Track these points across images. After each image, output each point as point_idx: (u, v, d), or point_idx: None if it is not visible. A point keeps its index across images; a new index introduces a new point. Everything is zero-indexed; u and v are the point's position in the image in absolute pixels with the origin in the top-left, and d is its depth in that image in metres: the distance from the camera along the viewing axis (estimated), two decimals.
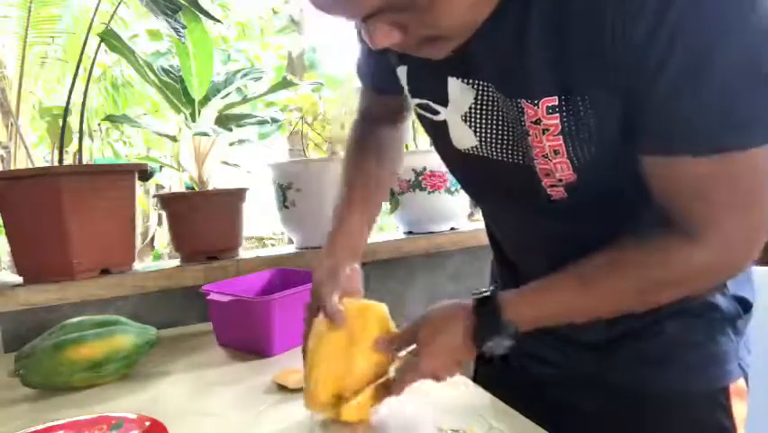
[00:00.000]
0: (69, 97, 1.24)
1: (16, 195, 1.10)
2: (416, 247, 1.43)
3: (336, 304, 0.68)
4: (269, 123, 1.35)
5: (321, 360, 0.66)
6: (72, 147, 1.30)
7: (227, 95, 1.37)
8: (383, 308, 0.70)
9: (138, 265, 1.28)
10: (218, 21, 1.30)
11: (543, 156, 0.59)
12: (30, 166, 2.21)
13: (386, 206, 1.56)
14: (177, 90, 1.31)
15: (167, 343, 1.05)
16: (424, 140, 1.61)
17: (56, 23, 3.81)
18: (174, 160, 1.41)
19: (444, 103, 0.65)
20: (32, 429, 0.66)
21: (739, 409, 0.69)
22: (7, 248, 1.18)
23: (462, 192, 1.46)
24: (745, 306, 0.72)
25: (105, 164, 1.93)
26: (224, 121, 1.32)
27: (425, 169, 1.41)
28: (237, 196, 1.33)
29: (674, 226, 0.55)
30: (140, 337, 0.90)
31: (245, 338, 0.99)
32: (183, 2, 1.16)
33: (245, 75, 1.39)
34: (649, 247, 0.58)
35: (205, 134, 1.25)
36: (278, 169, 1.37)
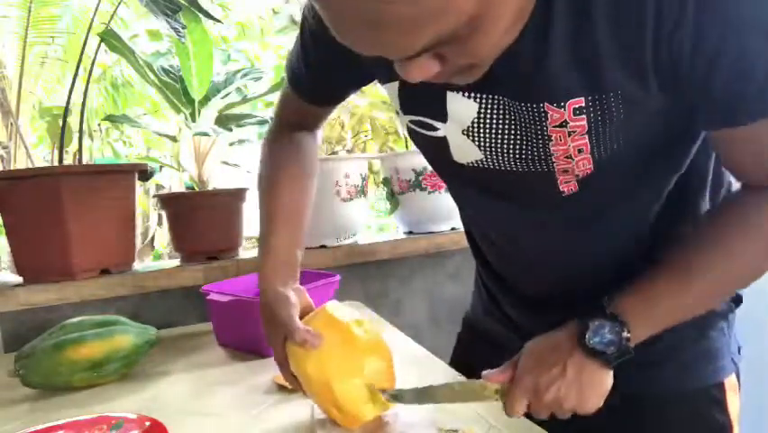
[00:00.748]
0: (69, 97, 1.24)
1: (16, 195, 1.10)
2: (415, 247, 1.43)
3: (303, 327, 0.65)
4: (269, 123, 1.35)
5: (334, 378, 0.64)
6: (72, 147, 1.30)
7: (227, 95, 1.37)
8: (334, 305, 0.70)
9: (138, 265, 1.28)
10: (218, 21, 1.30)
11: (565, 157, 0.58)
12: (30, 166, 2.21)
13: (386, 206, 1.56)
14: (177, 90, 1.31)
15: (167, 343, 1.05)
16: None
17: (56, 23, 3.81)
18: (174, 160, 1.41)
19: (443, 119, 0.63)
20: (32, 429, 0.66)
21: (734, 404, 0.70)
22: (7, 248, 1.18)
23: None
24: (737, 299, 0.73)
25: (105, 164, 1.93)
26: (224, 121, 1.32)
27: (425, 169, 1.41)
28: (237, 196, 1.33)
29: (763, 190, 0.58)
30: (140, 337, 0.90)
31: (245, 338, 0.99)
32: (183, 2, 1.16)
33: (245, 75, 1.39)
34: (754, 208, 0.59)
35: (205, 134, 1.25)
36: None
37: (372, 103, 1.49)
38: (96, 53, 1.28)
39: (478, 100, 0.59)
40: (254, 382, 0.84)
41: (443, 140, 0.65)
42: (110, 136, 4.56)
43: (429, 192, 1.42)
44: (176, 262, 1.33)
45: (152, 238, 5.71)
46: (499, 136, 0.60)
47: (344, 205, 1.34)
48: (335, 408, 0.64)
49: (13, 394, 0.86)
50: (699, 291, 0.59)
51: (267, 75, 1.45)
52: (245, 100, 1.42)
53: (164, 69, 1.32)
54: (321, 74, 0.76)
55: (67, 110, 1.21)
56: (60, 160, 1.23)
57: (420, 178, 1.41)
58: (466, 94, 0.59)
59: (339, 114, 1.47)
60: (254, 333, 0.96)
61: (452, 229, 1.49)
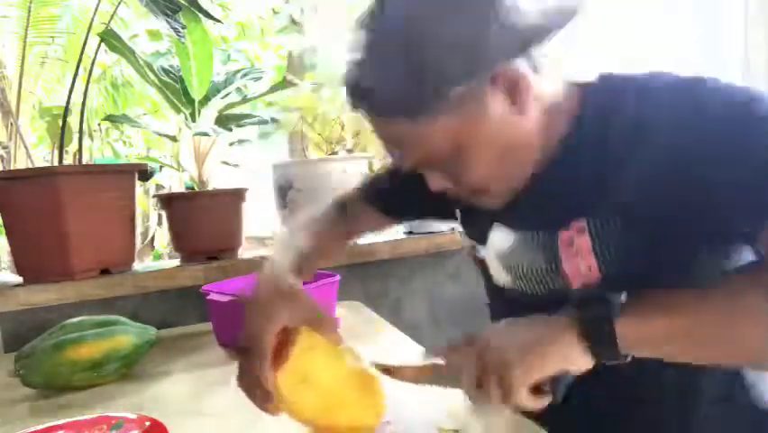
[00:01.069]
0: (69, 97, 1.24)
1: (16, 195, 1.10)
2: (416, 247, 1.43)
3: (267, 376, 0.60)
4: (268, 123, 1.35)
5: (345, 400, 0.62)
6: (72, 147, 1.30)
7: (227, 95, 1.37)
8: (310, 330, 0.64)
9: (138, 265, 1.28)
10: (218, 21, 1.30)
11: (575, 275, 0.63)
12: (30, 166, 2.21)
13: None
14: (177, 90, 1.31)
15: (167, 343, 1.05)
16: None
17: (56, 23, 3.81)
18: (174, 160, 1.41)
19: (484, 242, 0.74)
20: (32, 429, 0.66)
21: None
22: (7, 248, 1.18)
23: None
24: None
25: (105, 164, 1.93)
26: (224, 121, 1.32)
27: None
28: (237, 196, 1.33)
29: None
30: (140, 337, 0.90)
31: None
32: (183, 2, 1.16)
33: (245, 75, 1.39)
34: None
35: (206, 134, 1.25)
36: (279, 169, 1.37)
37: None
38: (96, 53, 1.28)
39: (515, 234, 0.69)
40: None
41: (484, 261, 0.75)
42: (110, 136, 4.56)
43: None
44: (176, 262, 1.33)
45: (152, 238, 5.71)
46: (522, 262, 0.68)
47: None
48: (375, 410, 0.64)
49: (13, 394, 0.86)
50: (696, 318, 0.54)
51: (267, 75, 1.45)
52: (245, 100, 1.42)
53: (164, 69, 1.32)
54: (396, 185, 0.87)
55: (67, 110, 1.21)
56: (60, 160, 1.23)
57: None
58: (509, 228, 0.70)
59: (339, 113, 1.46)
60: None
61: (452, 229, 1.49)
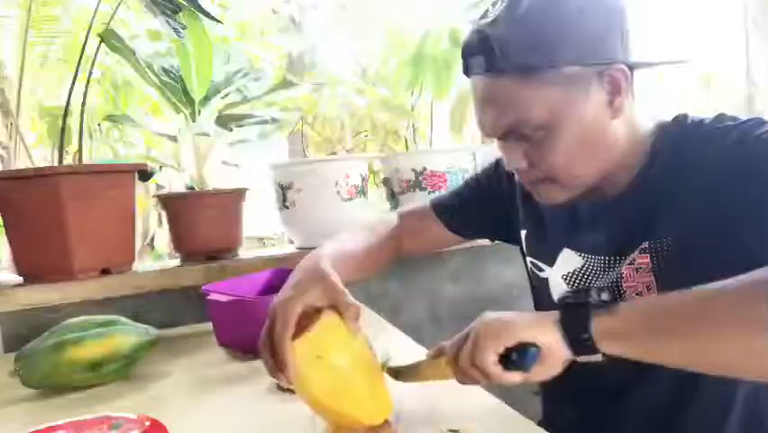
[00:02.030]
0: (69, 97, 1.24)
1: (16, 195, 1.10)
2: None
3: (286, 345, 0.61)
4: (269, 123, 1.35)
5: (353, 387, 0.62)
6: (72, 147, 1.30)
7: (227, 95, 1.37)
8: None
9: (138, 265, 1.28)
10: (218, 21, 1.30)
11: (635, 294, 0.69)
12: (30, 166, 2.21)
13: (386, 206, 1.56)
14: (177, 90, 1.31)
15: (167, 343, 1.05)
16: (423, 140, 1.61)
17: (56, 23, 3.80)
18: (174, 160, 1.41)
19: (551, 264, 0.80)
20: (32, 429, 0.66)
21: None
22: (7, 248, 1.18)
23: None
24: None
25: (105, 164, 1.93)
26: (224, 121, 1.32)
27: (424, 169, 1.41)
28: (237, 196, 1.33)
29: None
30: (140, 337, 0.90)
31: (245, 338, 0.98)
32: (183, 2, 1.16)
33: (245, 75, 1.39)
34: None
35: (206, 134, 1.25)
36: (279, 169, 1.37)
37: (372, 103, 1.49)
38: (96, 53, 1.28)
39: (584, 258, 0.76)
40: (254, 382, 0.84)
41: (546, 281, 0.82)
42: (110, 136, 4.55)
43: (429, 192, 1.42)
44: (176, 262, 1.33)
45: (152, 238, 5.71)
46: (588, 281, 0.75)
47: (344, 205, 1.34)
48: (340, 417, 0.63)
49: (13, 394, 0.86)
50: (679, 313, 0.54)
51: (267, 75, 1.45)
52: (245, 100, 1.42)
53: (164, 69, 1.32)
54: (470, 202, 0.95)
55: (67, 110, 1.21)
56: (60, 160, 1.23)
57: (420, 178, 1.41)
58: (578, 252, 0.77)
59: (339, 113, 1.47)
60: (254, 333, 0.96)
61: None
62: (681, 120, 0.72)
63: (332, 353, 0.62)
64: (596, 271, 0.75)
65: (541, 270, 0.83)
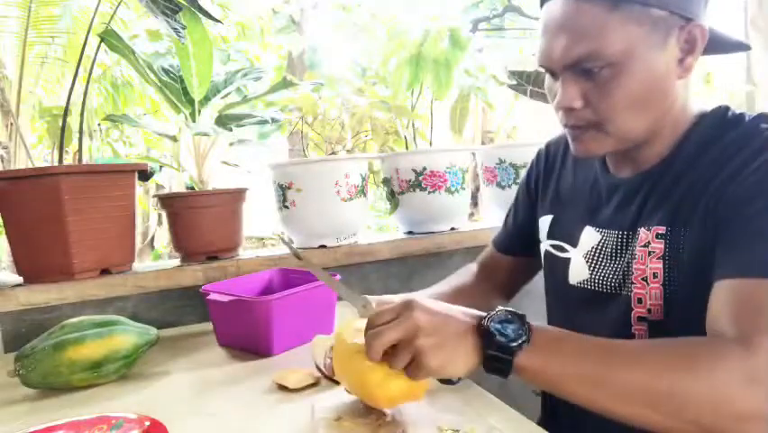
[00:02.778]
0: (69, 97, 1.24)
1: (16, 195, 1.10)
2: (416, 247, 1.43)
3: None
4: (269, 123, 1.35)
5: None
6: (72, 147, 1.30)
7: (227, 95, 1.37)
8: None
9: (138, 265, 1.28)
10: (218, 21, 1.30)
11: (641, 279, 0.70)
12: (30, 166, 2.21)
13: (386, 206, 1.56)
14: (177, 90, 1.31)
15: (167, 343, 1.05)
16: (423, 140, 1.61)
17: (56, 23, 3.81)
18: (174, 160, 1.41)
19: (574, 244, 0.82)
20: (32, 429, 0.66)
21: None
22: (7, 248, 1.18)
23: (462, 192, 1.46)
24: None
25: (105, 164, 1.93)
26: (224, 121, 1.32)
27: (425, 169, 1.41)
28: (237, 196, 1.33)
29: (724, 337, 0.57)
30: (140, 337, 0.90)
31: (245, 338, 0.99)
32: (183, 2, 1.16)
33: (245, 75, 1.39)
34: (700, 340, 0.59)
35: (206, 134, 1.25)
36: (278, 169, 1.37)
37: (372, 103, 1.49)
38: (96, 53, 1.28)
39: (602, 233, 0.78)
40: (254, 382, 0.84)
41: (567, 261, 0.83)
42: (110, 136, 4.56)
43: (429, 192, 1.42)
44: (176, 262, 1.33)
45: (152, 238, 5.71)
46: (604, 261, 0.76)
47: (344, 205, 1.34)
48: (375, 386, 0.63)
49: (13, 394, 0.86)
50: (612, 360, 0.57)
51: (267, 75, 1.45)
52: (245, 100, 1.42)
53: (164, 69, 1.32)
54: (513, 228, 1.01)
55: (67, 110, 1.21)
56: (60, 160, 1.23)
57: (420, 178, 1.41)
58: (596, 228, 0.79)
59: (339, 113, 1.46)
60: (254, 333, 0.96)
61: (452, 229, 1.49)
62: (722, 112, 0.72)
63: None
64: (611, 248, 0.76)
65: (564, 250, 0.84)
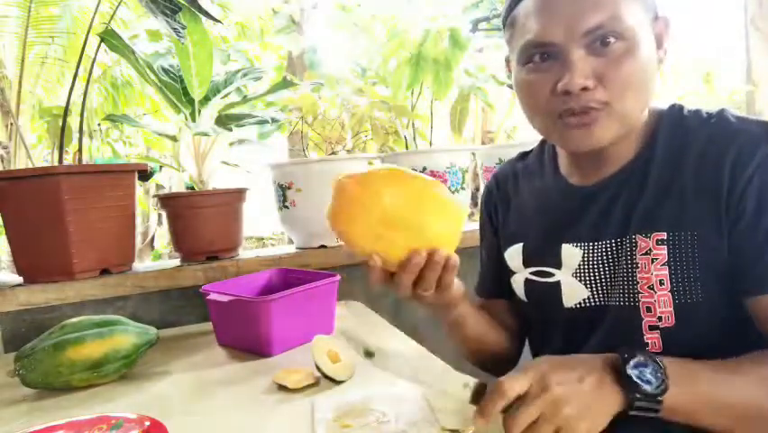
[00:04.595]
0: (69, 97, 1.24)
1: (16, 195, 1.10)
2: None
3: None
4: (269, 123, 1.35)
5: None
6: (72, 147, 1.30)
7: (227, 95, 1.37)
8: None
9: (138, 265, 1.28)
10: (218, 21, 1.30)
11: (648, 288, 0.67)
12: (30, 166, 2.21)
13: None
14: (177, 90, 1.31)
15: (167, 343, 1.05)
16: (423, 140, 1.61)
17: (56, 23, 3.81)
18: (174, 160, 1.41)
19: (558, 266, 0.76)
20: (32, 429, 0.66)
21: None
22: (7, 248, 1.18)
23: (462, 192, 1.46)
24: None
25: (105, 164, 1.93)
26: (224, 121, 1.32)
27: (424, 169, 1.41)
28: (237, 196, 1.33)
29: None
30: (140, 337, 0.90)
31: (245, 338, 0.99)
32: (183, 2, 1.16)
33: (245, 75, 1.39)
34: None
35: (205, 134, 1.25)
36: (278, 169, 1.37)
37: (372, 103, 1.49)
38: (96, 53, 1.28)
39: (582, 248, 0.74)
40: (254, 382, 0.84)
41: (557, 284, 0.77)
42: (110, 136, 4.56)
43: None
44: (176, 262, 1.33)
45: (152, 238, 5.72)
46: (599, 273, 0.73)
47: None
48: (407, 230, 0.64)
49: (13, 394, 0.86)
50: (740, 392, 0.59)
51: (267, 75, 1.45)
52: (245, 100, 1.42)
53: (164, 69, 1.32)
54: (488, 272, 0.94)
55: (67, 110, 1.21)
56: (60, 160, 1.23)
57: None
58: (574, 244, 0.75)
59: (339, 113, 1.47)
60: (254, 333, 0.96)
61: None
62: (677, 110, 0.73)
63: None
64: (599, 259, 0.72)
65: (548, 275, 0.78)
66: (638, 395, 0.56)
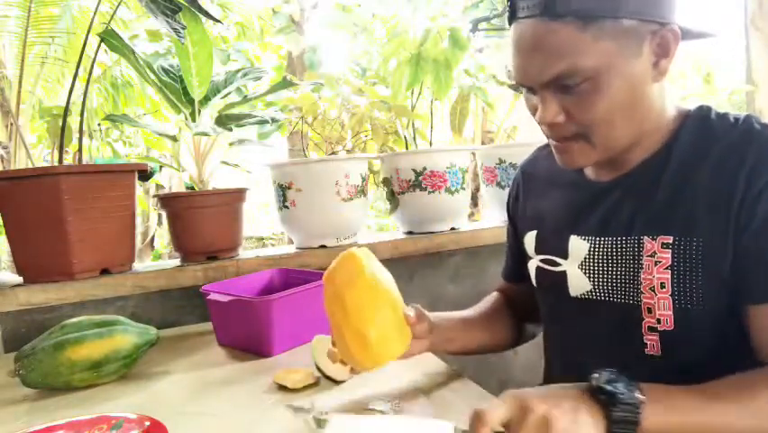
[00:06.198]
0: (69, 97, 1.24)
1: (16, 195, 1.10)
2: (416, 247, 1.43)
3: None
4: (269, 123, 1.35)
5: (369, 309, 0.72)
6: (72, 147, 1.30)
7: (227, 95, 1.37)
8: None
9: (138, 265, 1.28)
10: (218, 21, 1.30)
11: (649, 289, 0.68)
12: (30, 166, 2.21)
13: (386, 206, 1.56)
14: (177, 90, 1.31)
15: (167, 343, 1.05)
16: (423, 140, 1.61)
17: (56, 23, 3.81)
18: (174, 160, 1.41)
19: (565, 256, 0.79)
20: (32, 429, 0.66)
21: None
22: (7, 248, 1.18)
23: (462, 192, 1.47)
24: None
25: (105, 164, 1.93)
26: (224, 121, 1.32)
27: (424, 169, 1.41)
28: (237, 196, 1.33)
29: None
30: (140, 337, 0.90)
31: (245, 338, 0.99)
32: (183, 2, 1.16)
33: (245, 75, 1.39)
34: None
35: (205, 134, 1.25)
36: (278, 169, 1.37)
37: (372, 103, 1.49)
38: (96, 53, 1.28)
39: (588, 241, 0.75)
40: (254, 382, 0.84)
41: (563, 274, 0.79)
42: (110, 136, 4.56)
43: (429, 192, 1.42)
44: (176, 262, 1.33)
45: (152, 238, 5.71)
46: (603, 269, 0.74)
47: (344, 205, 1.34)
48: (363, 343, 0.68)
49: (13, 394, 0.86)
50: (716, 416, 0.58)
51: (267, 75, 1.45)
52: (245, 100, 1.42)
53: (164, 69, 1.32)
54: (511, 257, 0.99)
55: (67, 110, 1.21)
56: (60, 160, 1.23)
57: (420, 178, 1.41)
58: (582, 237, 0.76)
59: (339, 113, 1.47)
60: (254, 333, 0.96)
61: (452, 229, 1.49)
62: (705, 112, 0.71)
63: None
64: (605, 255, 0.73)
65: (555, 264, 0.81)
66: (616, 406, 0.55)
